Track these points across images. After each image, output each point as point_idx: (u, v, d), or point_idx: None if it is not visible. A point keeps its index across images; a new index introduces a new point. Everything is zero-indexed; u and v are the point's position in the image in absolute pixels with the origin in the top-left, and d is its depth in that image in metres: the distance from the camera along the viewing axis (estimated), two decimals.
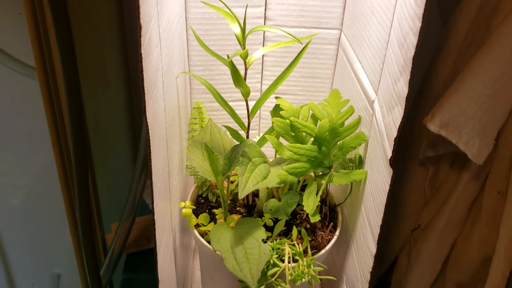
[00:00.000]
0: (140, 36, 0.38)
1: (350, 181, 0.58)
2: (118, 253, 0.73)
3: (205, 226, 0.62)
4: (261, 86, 0.71)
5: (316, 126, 0.59)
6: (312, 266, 0.57)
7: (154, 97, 0.46)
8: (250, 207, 0.67)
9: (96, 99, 0.88)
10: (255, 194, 0.69)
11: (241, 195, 0.53)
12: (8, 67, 0.89)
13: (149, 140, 0.43)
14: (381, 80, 0.51)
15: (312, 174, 0.61)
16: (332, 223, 0.64)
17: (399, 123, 0.43)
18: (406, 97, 0.42)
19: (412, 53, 0.40)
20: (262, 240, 0.56)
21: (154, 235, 0.49)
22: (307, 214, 0.65)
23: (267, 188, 0.66)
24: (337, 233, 0.63)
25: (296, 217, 0.65)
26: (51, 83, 0.64)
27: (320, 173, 0.61)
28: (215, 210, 0.64)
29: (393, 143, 0.45)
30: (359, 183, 0.60)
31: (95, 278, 0.67)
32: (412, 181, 0.55)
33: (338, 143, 0.59)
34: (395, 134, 0.44)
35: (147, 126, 0.43)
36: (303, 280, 0.56)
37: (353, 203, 0.62)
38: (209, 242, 0.59)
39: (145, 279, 0.75)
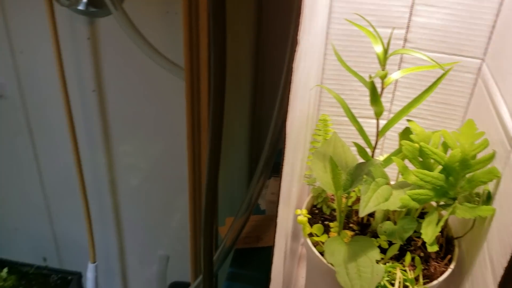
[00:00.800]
0: (295, 51, 0.40)
1: (474, 216, 0.56)
2: (230, 246, 0.77)
3: (318, 236, 0.63)
4: (391, 106, 0.71)
5: (446, 155, 0.57)
6: None
7: (294, 108, 0.48)
8: (363, 226, 0.68)
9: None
10: (371, 214, 0.69)
11: (362, 213, 0.53)
12: (154, 61, 0.97)
13: (284, 147, 0.46)
14: None
15: (433, 203, 0.60)
16: (449, 256, 0.62)
17: None
18: None
19: None
20: (376, 261, 0.56)
21: (274, 236, 0.52)
22: (422, 243, 0.64)
23: (384, 209, 0.65)
24: (452, 266, 0.61)
25: (411, 244, 0.65)
26: (195, 82, 0.70)
27: (443, 203, 0.59)
28: (330, 223, 0.65)
29: None
30: (483, 220, 0.58)
31: (209, 265, 0.71)
32: None
33: (467, 175, 0.57)
34: None
35: (285, 134, 0.45)
36: None
37: (474, 239, 0.60)
38: (321, 253, 0.61)
39: (251, 276, 0.78)
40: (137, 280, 1.54)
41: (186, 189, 1.26)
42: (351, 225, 0.68)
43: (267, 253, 0.83)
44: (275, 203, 0.87)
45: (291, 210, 0.65)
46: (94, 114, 1.23)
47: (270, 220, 0.84)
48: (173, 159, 1.27)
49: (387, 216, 0.66)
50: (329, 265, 0.59)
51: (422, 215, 0.67)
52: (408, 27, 0.64)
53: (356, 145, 0.63)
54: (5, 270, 1.48)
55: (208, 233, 0.67)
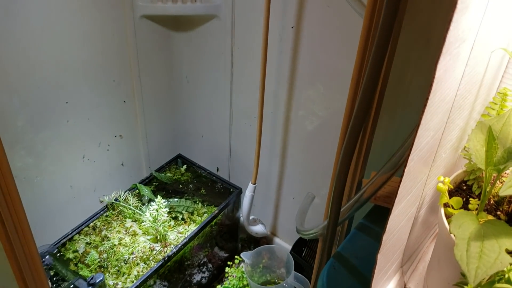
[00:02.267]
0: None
1: None
2: (366, 199, 0.76)
3: (454, 209, 0.59)
4: None
5: None
6: None
7: (453, 55, 0.45)
8: (511, 217, 0.61)
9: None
10: None
11: (503, 192, 0.48)
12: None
13: (429, 93, 0.43)
14: None
15: None
16: None
17: None
18: None
19: None
20: (506, 250, 0.50)
21: (398, 187, 0.50)
22: None
23: None
24: None
25: None
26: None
27: None
28: (471, 199, 0.60)
29: None
30: None
31: (336, 211, 0.72)
32: None
33: None
34: None
35: (433, 80, 0.43)
36: None
37: None
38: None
39: (377, 232, 0.77)
40: (287, 213, 1.63)
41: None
42: (498, 212, 0.61)
43: None
44: None
45: (433, 175, 0.61)
46: (288, 50, 1.29)
47: None
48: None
49: None
50: (454, 237, 0.55)
51: None
52: None
53: None
54: (184, 166, 1.70)
55: (340, 179, 0.67)
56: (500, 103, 0.64)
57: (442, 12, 0.79)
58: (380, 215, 0.81)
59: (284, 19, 1.25)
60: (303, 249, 1.56)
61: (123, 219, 1.50)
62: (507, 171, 0.63)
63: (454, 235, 0.52)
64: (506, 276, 0.51)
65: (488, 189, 0.57)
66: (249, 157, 1.56)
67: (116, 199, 1.53)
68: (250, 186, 1.49)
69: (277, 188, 1.59)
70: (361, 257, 0.72)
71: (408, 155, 0.48)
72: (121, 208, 1.52)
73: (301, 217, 1.09)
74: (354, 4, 0.97)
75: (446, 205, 0.60)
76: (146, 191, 1.57)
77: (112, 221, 1.49)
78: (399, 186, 0.50)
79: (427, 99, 0.43)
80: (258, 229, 1.64)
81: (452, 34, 0.41)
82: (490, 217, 0.59)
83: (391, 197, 0.79)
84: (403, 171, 0.49)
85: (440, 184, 0.60)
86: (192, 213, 1.58)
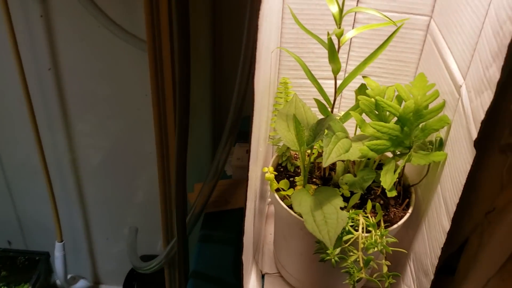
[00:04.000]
0: (258, 9, 0.42)
1: (429, 162, 0.60)
2: (200, 211, 0.80)
3: (285, 191, 0.67)
4: (346, 66, 0.74)
5: (400, 107, 0.61)
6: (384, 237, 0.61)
7: (259, 68, 0.51)
8: (325, 179, 0.72)
9: None
10: (331, 168, 0.73)
11: (325, 164, 0.57)
12: (112, 32, 0.97)
13: (253, 106, 0.48)
14: (470, 66, 0.53)
15: (389, 154, 0.65)
16: (407, 200, 0.67)
17: (487, 106, 0.46)
18: (498, 83, 0.44)
19: (509, 41, 0.42)
20: (340, 207, 0.60)
21: (246, 198, 0.54)
22: (382, 191, 0.69)
23: (344, 163, 0.69)
24: (410, 210, 0.66)
25: (371, 193, 0.69)
26: (157, 51, 0.71)
27: (398, 152, 0.64)
28: (296, 178, 0.69)
29: (479, 125, 0.47)
30: (437, 165, 0.62)
31: (183, 231, 0.74)
32: (490, 167, 0.57)
33: (421, 125, 0.61)
34: (482, 117, 0.47)
35: (253, 93, 0.48)
36: (375, 249, 0.60)
37: (429, 184, 0.65)
38: (289, 206, 0.65)
39: (221, 236, 0.81)
40: (105, 256, 1.55)
41: (149, 164, 1.27)
42: (314, 179, 0.72)
43: (236, 214, 0.87)
44: (241, 168, 0.90)
45: (258, 170, 0.68)
46: (51, 93, 1.21)
47: (237, 184, 0.87)
48: (134, 135, 1.27)
49: (347, 169, 0.70)
50: (296, 216, 0.63)
51: (380, 166, 0.71)
52: None
53: (317, 101, 0.66)
54: None
55: (180, 197, 0.69)
56: (284, 91, 0.74)
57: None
58: (214, 220, 0.85)
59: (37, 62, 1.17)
60: (133, 284, 1.51)
61: None
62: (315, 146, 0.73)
63: (300, 215, 0.60)
64: (347, 228, 0.61)
65: (306, 164, 0.67)
66: (44, 214, 1.43)
67: None
68: (58, 245, 1.37)
69: (87, 235, 1.50)
70: (218, 266, 0.76)
71: (249, 159, 0.52)
72: None
73: (134, 254, 1.06)
74: (113, 28, 0.97)
75: (277, 190, 0.67)
76: None
77: None
78: (246, 190, 0.54)
79: (252, 110, 0.48)
80: (80, 285, 1.52)
81: (258, 52, 0.46)
82: (313, 186, 0.68)
83: (220, 200, 0.84)
84: (247, 176, 0.53)
85: (268, 174, 0.67)
86: None
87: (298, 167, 0.73)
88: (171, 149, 0.81)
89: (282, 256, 0.75)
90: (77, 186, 1.37)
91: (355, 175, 0.68)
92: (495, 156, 0.61)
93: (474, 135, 0.49)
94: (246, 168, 0.91)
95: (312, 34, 0.61)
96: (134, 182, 1.35)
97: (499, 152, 0.59)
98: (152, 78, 0.72)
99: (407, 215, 0.66)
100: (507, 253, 0.57)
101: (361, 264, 0.59)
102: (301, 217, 0.63)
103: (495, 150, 0.61)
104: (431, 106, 0.61)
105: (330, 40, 0.55)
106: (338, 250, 0.58)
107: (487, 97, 0.46)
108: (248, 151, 0.51)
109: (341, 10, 0.57)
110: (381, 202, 0.68)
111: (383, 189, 0.69)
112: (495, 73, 0.45)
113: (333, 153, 0.58)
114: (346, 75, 0.70)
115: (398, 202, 0.68)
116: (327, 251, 0.57)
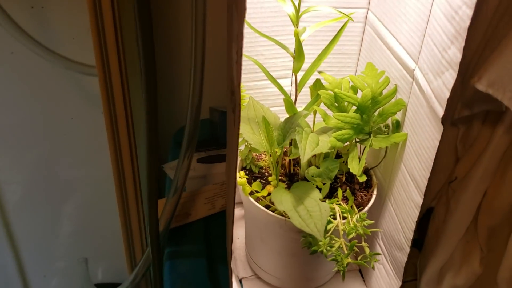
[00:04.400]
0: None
1: (390, 144, 0.65)
2: (166, 228, 0.77)
3: (259, 192, 0.67)
4: None
5: (357, 97, 0.65)
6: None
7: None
8: (291, 175, 0.73)
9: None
10: (295, 163, 0.75)
11: (303, 160, 0.59)
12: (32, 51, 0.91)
13: (239, 112, 0.48)
14: (421, 51, 0.58)
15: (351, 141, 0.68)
16: (370, 183, 0.71)
17: (451, 85, 0.50)
18: (460, 62, 0.49)
19: (467, 24, 0.47)
20: (320, 199, 0.62)
21: (233, 203, 0.54)
22: (346, 178, 0.72)
23: None
24: (375, 192, 0.70)
25: (337, 181, 0.72)
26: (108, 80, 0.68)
27: (358, 140, 0.67)
28: (269, 178, 0.70)
29: (445, 103, 0.52)
30: (396, 147, 0.67)
31: (158, 252, 0.71)
32: (444, 140, 0.62)
33: (378, 110, 0.65)
34: (447, 95, 0.51)
35: (238, 105, 0.48)
36: (355, 233, 0.63)
37: (388, 164, 0.69)
38: (266, 207, 0.65)
39: (190, 250, 0.80)
40: None
41: (76, 190, 1.20)
42: (280, 177, 0.73)
43: (198, 225, 0.86)
44: (195, 179, 0.89)
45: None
46: None
47: (193, 196, 0.86)
48: (56, 162, 1.20)
49: (310, 163, 0.73)
50: (276, 215, 0.64)
51: (338, 155, 0.75)
52: None
53: (286, 100, 0.67)
54: None
55: (153, 223, 0.67)
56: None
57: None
58: (177, 235, 0.83)
59: None
60: None
61: None
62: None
63: (283, 211, 0.61)
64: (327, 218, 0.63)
65: (278, 163, 0.68)
66: None
67: None
68: None
69: (21, 279, 1.38)
70: (194, 281, 0.74)
71: (234, 171, 0.52)
72: None
73: (90, 287, 1.00)
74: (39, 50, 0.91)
75: (251, 193, 0.68)
76: None
77: None
78: (234, 195, 0.54)
79: (239, 122, 0.48)
80: None
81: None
82: (282, 184, 0.70)
83: (181, 214, 0.83)
84: (235, 179, 0.53)
85: (239, 179, 0.67)
86: None
87: (261, 167, 0.74)
88: (127, 170, 0.78)
89: (258, 257, 0.75)
90: (5, 227, 1.27)
91: (317, 167, 0.70)
92: (447, 131, 0.66)
93: (440, 112, 0.53)
94: (200, 178, 0.91)
95: (268, 37, 0.62)
96: (59, 207, 1.28)
97: (450, 126, 0.65)
98: (105, 103, 0.69)
99: (374, 196, 0.69)
100: (471, 216, 0.63)
101: (345, 250, 0.62)
102: (282, 215, 0.64)
103: (447, 125, 0.67)
104: (384, 92, 0.66)
105: (298, 40, 0.57)
106: (328, 239, 0.60)
107: (450, 76, 0.51)
108: (234, 166, 0.51)
109: (297, 11, 0.59)
110: (347, 188, 0.71)
111: (347, 177, 0.73)
112: (456, 54, 0.49)
113: (307, 148, 0.60)
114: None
115: (362, 186, 0.72)
116: (320, 242, 0.59)
